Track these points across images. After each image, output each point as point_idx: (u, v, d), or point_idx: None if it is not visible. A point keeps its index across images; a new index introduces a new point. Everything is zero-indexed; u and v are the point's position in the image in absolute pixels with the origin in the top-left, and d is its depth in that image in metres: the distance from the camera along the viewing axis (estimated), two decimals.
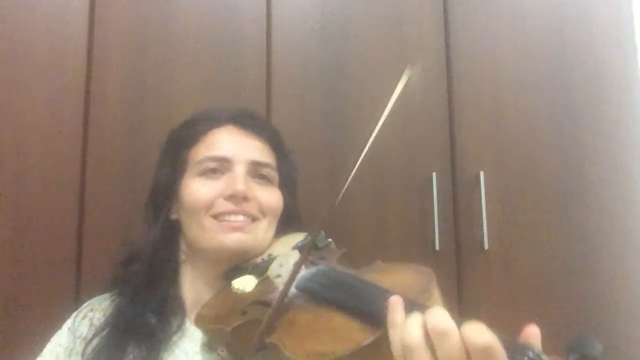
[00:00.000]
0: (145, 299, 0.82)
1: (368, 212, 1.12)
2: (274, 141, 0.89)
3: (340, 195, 0.63)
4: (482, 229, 1.12)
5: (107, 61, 1.09)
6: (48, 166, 1.04)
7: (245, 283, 0.74)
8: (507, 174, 1.17)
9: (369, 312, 0.55)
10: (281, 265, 0.75)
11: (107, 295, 0.88)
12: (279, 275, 0.73)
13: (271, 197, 0.84)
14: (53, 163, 1.04)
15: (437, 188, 1.12)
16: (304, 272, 0.68)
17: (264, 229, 0.83)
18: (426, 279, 0.61)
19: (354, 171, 0.64)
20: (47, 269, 1.01)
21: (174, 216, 0.86)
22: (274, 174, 0.86)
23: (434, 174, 1.13)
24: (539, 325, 0.50)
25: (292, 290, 0.65)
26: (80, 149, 1.06)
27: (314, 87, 1.15)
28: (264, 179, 0.85)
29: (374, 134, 0.67)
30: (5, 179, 1.03)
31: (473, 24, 1.22)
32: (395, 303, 0.50)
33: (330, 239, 0.80)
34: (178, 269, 0.86)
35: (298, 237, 0.83)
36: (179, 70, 1.11)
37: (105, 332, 0.79)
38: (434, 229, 1.11)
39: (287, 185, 0.90)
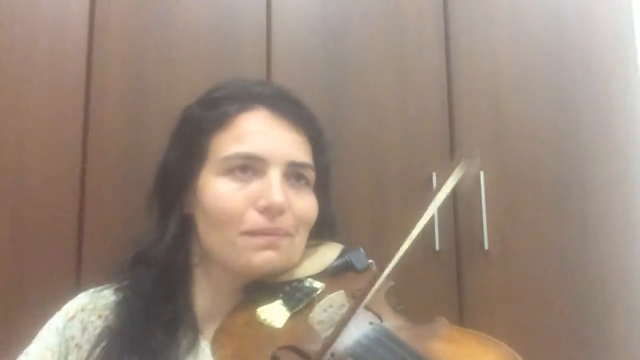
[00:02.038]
0: (154, 310, 0.70)
1: (368, 212, 1.12)
2: (314, 132, 0.76)
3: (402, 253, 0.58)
4: (482, 229, 1.12)
5: (107, 61, 1.09)
6: (48, 165, 1.04)
7: (275, 315, 0.64)
8: (507, 174, 1.17)
9: None
10: (325, 310, 0.64)
11: (104, 292, 0.77)
12: (321, 322, 0.62)
13: (308, 207, 0.72)
14: (53, 162, 1.04)
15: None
16: (354, 327, 0.58)
17: (297, 244, 0.71)
18: None
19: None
20: (47, 267, 1.01)
21: (186, 211, 0.74)
22: (312, 176, 0.74)
23: (434, 174, 1.13)
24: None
25: (343, 355, 0.56)
26: (80, 147, 1.06)
27: (314, 87, 1.15)
28: (300, 180, 0.73)
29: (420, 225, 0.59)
30: (5, 179, 1.02)
31: (473, 24, 1.22)
32: None
33: (371, 260, 0.72)
34: (190, 274, 0.74)
35: (332, 252, 0.74)
36: (179, 70, 1.11)
37: (106, 344, 0.69)
38: (434, 229, 1.11)
39: (323, 186, 0.78)
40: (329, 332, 0.57)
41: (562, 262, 1.16)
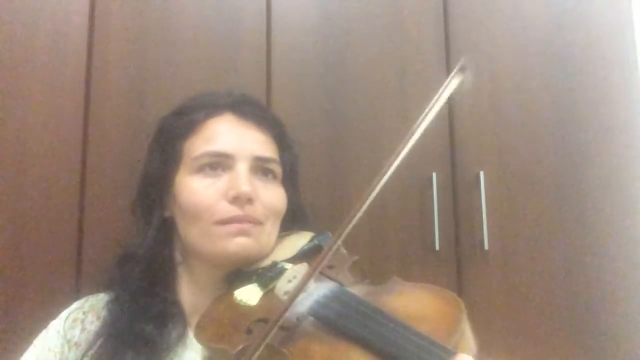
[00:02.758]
0: (142, 305, 0.76)
1: (368, 212, 1.11)
2: (277, 132, 0.83)
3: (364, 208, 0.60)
4: (482, 229, 1.12)
5: (107, 61, 1.09)
6: (48, 165, 1.04)
7: (249, 295, 0.69)
8: (507, 174, 1.17)
9: (394, 355, 0.50)
10: (289, 281, 0.70)
11: (100, 296, 0.83)
12: (287, 293, 0.68)
13: (276, 197, 0.79)
14: (53, 162, 1.04)
15: (437, 188, 1.12)
16: (316, 291, 0.63)
17: (268, 232, 0.77)
18: (456, 314, 0.55)
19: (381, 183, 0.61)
20: (47, 267, 1.01)
21: (167, 213, 0.80)
22: (278, 169, 0.81)
23: (434, 174, 1.13)
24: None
25: (305, 314, 0.61)
26: (80, 148, 1.06)
27: (314, 87, 1.15)
28: (267, 175, 0.79)
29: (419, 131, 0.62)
30: (5, 179, 1.02)
31: (473, 24, 1.22)
32: None
33: (339, 242, 0.77)
34: (175, 271, 0.81)
35: (303, 238, 0.79)
36: (178, 70, 1.11)
37: (101, 341, 0.74)
38: (434, 229, 1.11)
39: (290, 179, 0.85)
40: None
41: (562, 262, 1.16)
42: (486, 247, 1.12)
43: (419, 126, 0.60)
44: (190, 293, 0.80)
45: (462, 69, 0.60)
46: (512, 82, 1.21)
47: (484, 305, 1.12)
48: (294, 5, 1.17)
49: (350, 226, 0.58)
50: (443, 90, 0.59)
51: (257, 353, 0.55)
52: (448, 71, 1.19)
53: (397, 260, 1.11)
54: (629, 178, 1.22)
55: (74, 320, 0.79)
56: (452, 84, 0.60)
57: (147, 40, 1.11)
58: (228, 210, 0.73)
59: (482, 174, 1.14)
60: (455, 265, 1.12)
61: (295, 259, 0.76)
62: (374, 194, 0.60)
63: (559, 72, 1.23)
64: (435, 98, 0.59)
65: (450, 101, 1.18)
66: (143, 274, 0.79)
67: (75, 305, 0.83)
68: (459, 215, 1.14)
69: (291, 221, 0.84)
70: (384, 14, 1.20)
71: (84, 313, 0.80)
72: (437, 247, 1.11)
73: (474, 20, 1.22)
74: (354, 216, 0.58)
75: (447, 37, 1.20)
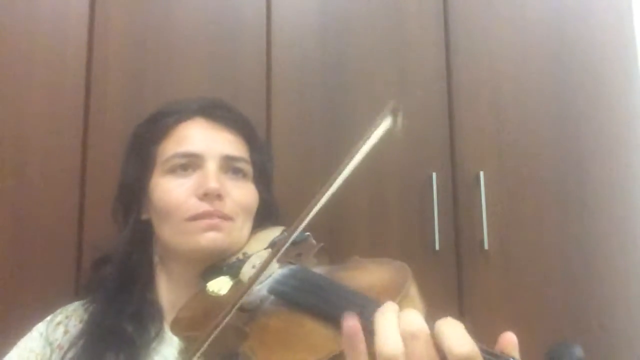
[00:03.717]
0: (121, 305, 0.78)
1: (368, 212, 1.12)
2: (247, 133, 0.86)
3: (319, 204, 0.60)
4: (482, 229, 1.12)
5: (107, 61, 1.09)
6: (48, 165, 1.04)
7: (220, 285, 0.71)
8: (507, 174, 1.17)
9: (340, 317, 0.51)
10: (253, 266, 0.72)
11: (82, 302, 0.85)
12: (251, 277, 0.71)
13: (246, 193, 0.81)
14: (53, 162, 1.04)
15: (437, 188, 1.12)
16: (277, 273, 0.65)
17: (239, 227, 0.79)
18: (402, 276, 0.58)
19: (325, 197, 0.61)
20: (47, 268, 1.01)
21: (144, 216, 0.83)
22: (247, 168, 0.83)
23: (434, 174, 1.13)
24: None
25: (265, 293, 0.63)
26: (80, 147, 1.06)
27: (314, 87, 1.15)
28: (237, 174, 0.81)
29: (342, 176, 0.63)
30: (5, 179, 1.03)
31: (473, 24, 1.22)
32: (352, 326, 0.45)
33: (308, 233, 0.77)
34: (153, 271, 0.83)
35: (274, 232, 0.81)
36: (178, 70, 1.11)
37: (81, 342, 0.76)
38: (434, 229, 1.11)
39: (262, 178, 0.86)
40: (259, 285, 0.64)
41: (562, 262, 1.16)
42: (486, 247, 1.12)
43: (344, 168, 0.63)
44: (168, 292, 0.82)
45: (393, 110, 0.63)
46: (512, 82, 1.21)
47: (484, 305, 1.12)
48: (294, 5, 1.17)
49: (313, 213, 0.59)
50: (372, 132, 0.61)
51: (216, 331, 0.56)
52: (448, 71, 1.19)
53: (397, 259, 1.11)
54: (629, 178, 1.22)
55: (58, 323, 0.81)
56: (381, 125, 0.62)
57: (147, 40, 1.11)
58: (198, 206, 0.75)
59: (482, 174, 1.14)
60: (455, 265, 1.12)
61: (262, 251, 0.77)
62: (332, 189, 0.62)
63: (559, 72, 1.23)
64: (363, 140, 0.61)
65: (451, 103, 1.18)
66: (119, 275, 0.81)
67: (60, 310, 0.85)
68: (459, 215, 1.14)
69: (265, 218, 0.86)
70: (384, 14, 1.20)
71: (67, 317, 0.82)
72: (437, 247, 1.11)
73: (474, 20, 1.22)
74: (315, 204, 0.60)
75: (447, 37, 1.20)
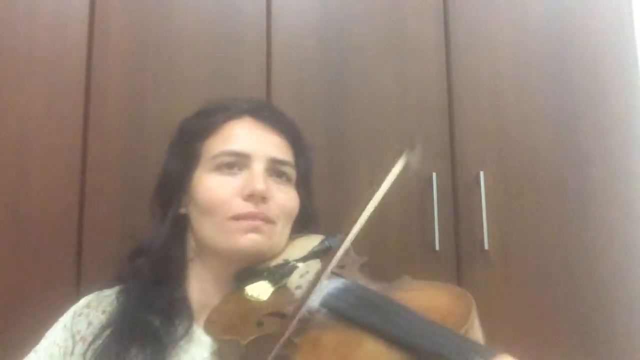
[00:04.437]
0: (151, 299, 0.77)
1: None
2: (294, 137, 0.86)
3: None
4: (482, 229, 1.12)
5: (107, 61, 1.09)
6: (48, 165, 1.04)
7: (260, 290, 0.70)
8: (507, 174, 1.17)
9: (406, 340, 0.50)
10: (301, 276, 0.71)
11: (107, 291, 0.84)
12: (299, 287, 0.69)
13: (289, 198, 0.81)
14: (53, 162, 1.04)
15: (437, 188, 1.12)
16: (327, 286, 0.64)
17: (280, 232, 0.79)
18: (466, 306, 0.55)
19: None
20: (47, 267, 1.01)
21: (182, 210, 0.82)
22: (292, 173, 0.83)
23: (434, 174, 1.13)
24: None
25: (316, 306, 0.61)
26: (80, 147, 1.06)
27: (314, 87, 1.15)
28: (282, 177, 0.81)
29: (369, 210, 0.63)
30: (5, 179, 1.03)
31: (473, 24, 1.22)
32: None
33: (351, 239, 0.76)
34: (185, 267, 0.82)
35: (314, 240, 0.80)
36: (178, 70, 1.11)
37: (107, 333, 0.75)
38: (434, 229, 1.11)
39: (304, 184, 0.87)
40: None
41: (562, 261, 1.16)
42: (486, 247, 1.12)
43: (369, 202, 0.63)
44: (199, 290, 0.81)
45: (410, 147, 0.64)
46: (512, 82, 1.21)
47: (484, 305, 1.11)
48: (294, 5, 1.17)
49: (360, 225, 0.60)
50: (391, 173, 0.64)
51: (278, 346, 0.55)
52: (448, 71, 1.19)
53: (397, 260, 1.11)
54: (629, 178, 1.22)
55: (80, 315, 0.81)
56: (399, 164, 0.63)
57: (147, 40, 1.11)
58: (242, 206, 0.75)
59: (482, 174, 1.14)
60: (455, 265, 1.12)
61: (305, 259, 0.77)
62: (381, 194, 0.62)
63: (559, 72, 1.23)
64: (385, 179, 0.64)
65: (451, 103, 1.18)
66: (154, 268, 0.80)
67: (82, 301, 0.84)
68: (459, 215, 1.14)
69: (303, 225, 0.85)
70: (384, 14, 1.20)
71: (90, 308, 0.81)
72: (437, 247, 1.11)
73: (474, 20, 1.22)
74: (361, 215, 0.60)
75: (447, 37, 1.20)
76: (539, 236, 1.16)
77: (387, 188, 0.63)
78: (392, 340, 0.51)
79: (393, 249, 1.11)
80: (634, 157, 1.23)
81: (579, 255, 1.17)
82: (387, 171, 0.63)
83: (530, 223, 1.16)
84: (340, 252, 0.59)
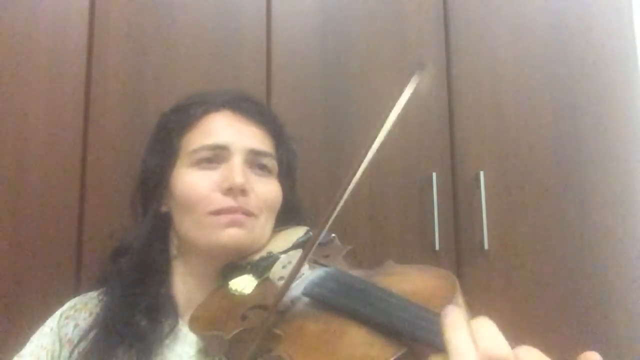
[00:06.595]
0: (135, 298, 0.76)
1: (368, 212, 1.12)
2: (274, 128, 0.84)
3: (346, 194, 0.59)
4: (482, 229, 1.12)
5: (107, 61, 1.09)
6: (48, 165, 1.04)
7: (244, 284, 0.70)
8: (507, 174, 1.17)
9: (390, 325, 0.49)
10: (284, 267, 0.70)
11: (92, 293, 0.83)
12: (282, 278, 0.67)
13: (270, 190, 0.79)
14: (53, 162, 1.04)
15: (437, 188, 1.12)
16: (310, 274, 0.63)
17: (262, 225, 0.77)
18: (450, 286, 0.55)
19: (359, 172, 0.60)
20: (47, 267, 1.01)
21: (164, 208, 0.81)
22: (273, 164, 0.81)
23: (434, 174, 1.13)
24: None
25: (299, 296, 0.60)
26: (80, 147, 1.06)
27: (314, 86, 1.15)
28: (263, 169, 0.80)
29: (378, 140, 0.61)
30: (5, 179, 1.03)
31: (473, 24, 1.22)
32: (452, 316, 0.40)
33: (333, 234, 0.77)
34: (169, 265, 0.81)
35: (298, 232, 0.79)
36: (178, 70, 1.11)
37: (92, 334, 0.74)
38: (434, 229, 1.11)
39: (286, 175, 0.85)
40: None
41: (561, 262, 1.16)
42: (486, 247, 1.12)
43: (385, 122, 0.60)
44: (184, 287, 0.80)
45: (420, 67, 0.60)
46: (512, 82, 1.21)
47: (484, 305, 1.11)
48: (294, 5, 1.17)
49: (338, 209, 0.58)
50: (404, 93, 0.61)
51: (257, 340, 0.55)
52: (448, 71, 1.19)
53: (397, 260, 1.10)
54: (629, 178, 1.22)
55: (67, 317, 0.80)
56: (411, 83, 0.60)
57: (147, 40, 1.11)
58: (221, 201, 0.74)
59: (482, 174, 1.14)
60: (455, 265, 1.12)
61: (290, 251, 0.76)
62: (354, 180, 0.60)
63: (558, 73, 1.23)
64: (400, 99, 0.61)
65: (451, 103, 1.18)
66: (137, 267, 0.79)
67: (68, 303, 0.83)
68: (459, 215, 1.14)
69: (287, 217, 0.84)
70: (384, 14, 1.20)
71: (76, 310, 0.81)
72: (437, 247, 1.11)
73: (474, 20, 1.22)
74: (339, 199, 0.58)
75: (447, 37, 1.20)
76: (539, 236, 1.16)
77: (398, 111, 0.60)
78: (377, 325, 0.50)
79: (393, 249, 1.11)
80: (634, 157, 1.23)
81: (578, 255, 1.17)
82: (399, 95, 0.60)
83: (530, 223, 1.16)
84: (322, 232, 0.56)
